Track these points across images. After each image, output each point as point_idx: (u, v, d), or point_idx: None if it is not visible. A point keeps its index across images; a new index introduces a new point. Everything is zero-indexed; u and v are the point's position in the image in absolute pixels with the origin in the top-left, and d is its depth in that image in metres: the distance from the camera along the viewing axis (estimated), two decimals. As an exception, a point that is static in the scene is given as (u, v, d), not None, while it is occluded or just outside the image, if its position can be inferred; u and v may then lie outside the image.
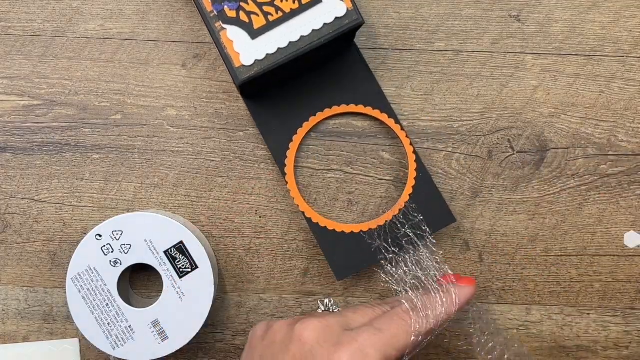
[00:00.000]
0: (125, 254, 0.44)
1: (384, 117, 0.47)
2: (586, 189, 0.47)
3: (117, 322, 0.44)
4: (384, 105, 0.47)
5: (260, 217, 0.48)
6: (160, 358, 0.44)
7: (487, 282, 0.47)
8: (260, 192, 0.48)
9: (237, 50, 0.40)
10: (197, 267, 0.44)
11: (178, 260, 0.44)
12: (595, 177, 0.47)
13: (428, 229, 0.44)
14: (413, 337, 0.38)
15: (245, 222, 0.48)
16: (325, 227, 0.46)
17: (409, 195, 0.46)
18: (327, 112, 0.47)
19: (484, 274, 0.47)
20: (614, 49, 0.48)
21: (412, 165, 0.46)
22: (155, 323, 0.44)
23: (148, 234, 0.44)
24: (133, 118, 0.48)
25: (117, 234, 0.44)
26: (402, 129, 0.47)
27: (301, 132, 0.47)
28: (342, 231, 0.46)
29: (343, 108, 0.47)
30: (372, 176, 0.48)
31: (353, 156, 0.48)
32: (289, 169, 0.46)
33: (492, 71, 0.48)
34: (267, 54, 0.40)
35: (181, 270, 0.44)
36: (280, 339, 0.38)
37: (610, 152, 0.48)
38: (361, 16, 0.41)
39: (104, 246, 0.44)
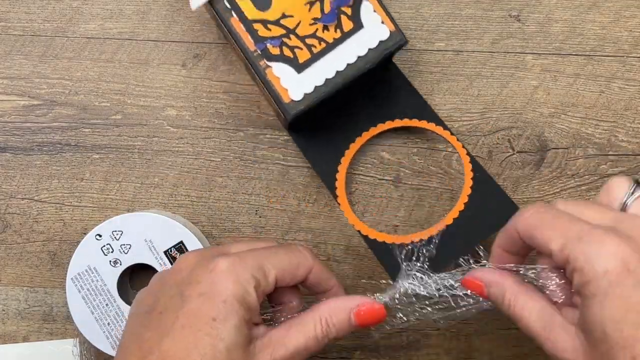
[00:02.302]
0: (125, 254, 0.44)
1: (434, 127, 0.46)
2: (586, 189, 0.47)
3: (117, 322, 0.44)
4: (432, 116, 0.46)
5: (260, 217, 0.48)
6: None
7: (487, 282, 0.47)
8: (260, 192, 0.48)
9: (285, 86, 0.40)
10: None
11: None
12: (596, 177, 0.47)
13: (482, 252, 0.42)
14: (304, 265, 0.37)
15: (245, 222, 0.48)
16: (384, 241, 0.45)
17: (464, 203, 0.45)
18: (373, 131, 0.46)
19: (484, 274, 0.47)
20: (614, 49, 0.48)
21: (469, 175, 0.45)
22: None
23: (148, 234, 0.44)
24: (133, 118, 0.48)
25: (117, 234, 0.44)
26: (452, 134, 0.46)
27: (348, 154, 0.46)
28: (401, 243, 0.44)
29: (389, 124, 0.46)
30: (372, 176, 0.48)
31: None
32: (341, 191, 0.45)
33: (492, 71, 0.48)
34: (316, 86, 0.40)
35: None
36: (164, 281, 0.37)
37: (610, 152, 0.48)
38: (404, 37, 0.40)
39: (104, 246, 0.44)
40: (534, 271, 0.37)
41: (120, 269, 0.44)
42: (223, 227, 0.48)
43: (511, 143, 0.48)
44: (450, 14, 0.48)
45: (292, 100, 0.40)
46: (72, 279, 0.44)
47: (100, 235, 0.44)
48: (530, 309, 0.35)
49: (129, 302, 0.45)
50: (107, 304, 0.44)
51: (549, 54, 0.48)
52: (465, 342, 0.47)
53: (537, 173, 0.47)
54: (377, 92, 0.46)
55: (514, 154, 0.48)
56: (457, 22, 0.48)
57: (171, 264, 0.44)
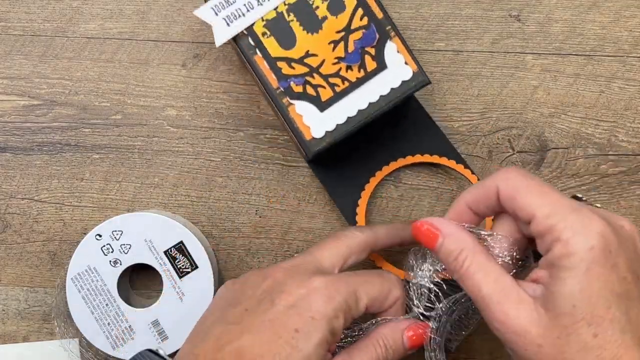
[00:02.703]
0: (125, 254, 0.44)
1: (454, 164, 0.46)
2: (586, 189, 0.47)
3: (117, 322, 0.44)
4: (452, 152, 0.46)
5: (260, 217, 0.48)
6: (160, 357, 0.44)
7: (487, 282, 0.47)
8: (260, 192, 0.48)
9: (307, 124, 0.41)
10: (197, 267, 0.44)
11: (178, 260, 0.44)
12: (596, 177, 0.47)
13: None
14: (394, 290, 0.37)
15: (245, 222, 0.48)
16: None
17: None
18: (393, 165, 0.46)
19: (484, 274, 0.47)
20: (614, 49, 0.48)
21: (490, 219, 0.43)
22: (155, 323, 0.44)
23: (148, 234, 0.44)
24: (133, 118, 0.48)
25: (117, 234, 0.44)
26: (473, 173, 0.46)
27: (369, 187, 0.46)
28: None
29: (409, 159, 0.46)
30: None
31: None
32: (361, 224, 0.46)
33: (492, 71, 0.48)
34: (337, 124, 0.41)
35: (181, 270, 0.44)
36: (251, 282, 0.37)
37: (610, 152, 0.48)
38: (427, 77, 0.41)
39: (104, 246, 0.44)
40: (491, 237, 0.36)
41: (120, 269, 0.44)
42: (223, 227, 0.48)
43: (511, 143, 0.48)
44: (450, 14, 0.48)
45: (314, 138, 0.41)
46: (72, 278, 0.44)
47: (100, 235, 0.44)
48: (487, 272, 0.34)
49: (129, 302, 0.45)
50: (107, 304, 0.44)
51: (549, 54, 0.48)
52: (465, 342, 0.47)
53: (537, 173, 0.47)
54: (398, 127, 0.46)
55: (514, 154, 0.48)
56: (457, 22, 0.48)
57: (171, 264, 0.44)
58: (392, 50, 0.41)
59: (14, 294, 0.48)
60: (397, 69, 0.41)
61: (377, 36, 0.41)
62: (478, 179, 0.46)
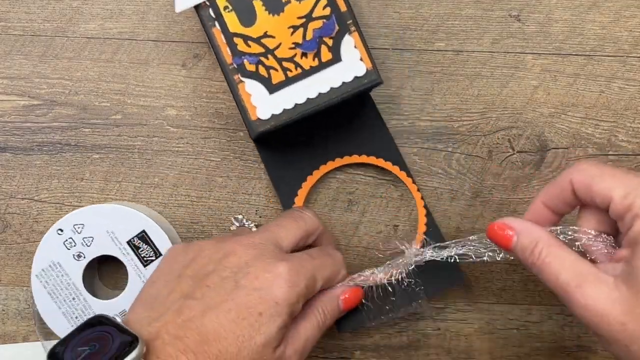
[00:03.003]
0: (88, 246, 0.44)
1: (395, 169, 0.46)
2: (586, 189, 0.47)
3: (85, 315, 0.44)
4: (396, 157, 0.47)
5: (260, 217, 0.48)
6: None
7: (487, 282, 0.47)
8: (260, 192, 0.48)
9: (254, 104, 0.41)
10: (161, 255, 0.45)
11: (141, 249, 0.44)
12: (596, 177, 0.47)
13: (424, 295, 0.44)
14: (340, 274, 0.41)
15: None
16: None
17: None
18: (338, 162, 0.46)
19: (485, 274, 0.47)
20: (614, 49, 0.48)
21: (422, 220, 0.46)
22: (123, 313, 0.45)
23: (110, 225, 0.44)
24: (133, 118, 0.48)
25: (79, 228, 0.44)
26: (414, 182, 0.46)
27: (311, 179, 0.46)
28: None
29: (355, 158, 0.47)
30: (372, 176, 0.48)
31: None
32: None
33: (492, 71, 0.48)
34: (284, 109, 0.41)
35: (145, 259, 0.45)
36: (209, 255, 0.38)
37: (610, 152, 0.48)
38: (380, 77, 0.41)
39: (66, 240, 0.44)
40: (576, 232, 0.36)
41: (84, 262, 0.44)
42: (223, 227, 0.48)
43: (511, 143, 0.48)
44: (450, 14, 0.48)
45: (259, 119, 0.41)
46: (36, 275, 0.44)
47: (62, 230, 0.44)
48: (562, 259, 0.34)
49: (96, 295, 0.45)
50: (73, 298, 0.44)
51: (549, 54, 0.48)
52: (465, 342, 0.47)
53: (537, 173, 0.47)
54: (350, 125, 0.47)
55: (514, 153, 0.48)
56: (457, 22, 0.48)
57: (135, 253, 0.44)
58: (349, 45, 0.41)
59: (14, 294, 0.48)
60: (351, 64, 0.41)
61: (337, 28, 0.41)
62: (418, 190, 0.46)
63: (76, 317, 0.44)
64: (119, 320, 0.36)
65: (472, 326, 0.47)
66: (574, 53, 0.48)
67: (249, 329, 0.35)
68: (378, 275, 0.42)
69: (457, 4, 0.48)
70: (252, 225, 0.46)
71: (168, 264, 0.39)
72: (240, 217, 0.46)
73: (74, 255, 0.44)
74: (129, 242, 0.45)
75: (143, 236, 0.45)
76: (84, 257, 0.45)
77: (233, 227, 0.47)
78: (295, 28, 0.41)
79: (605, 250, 0.36)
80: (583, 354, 0.47)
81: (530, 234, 0.36)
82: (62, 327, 0.44)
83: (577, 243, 0.36)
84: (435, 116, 0.48)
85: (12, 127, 0.48)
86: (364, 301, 0.43)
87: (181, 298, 0.36)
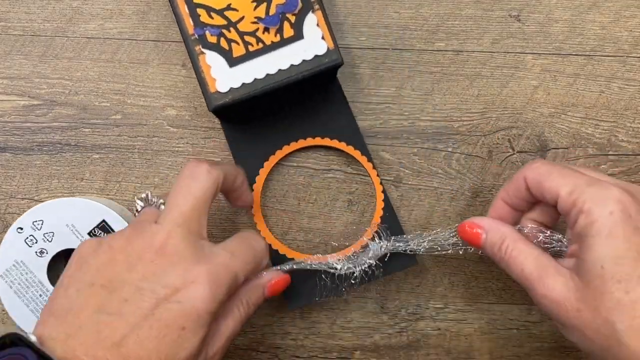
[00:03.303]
0: (50, 242, 0.44)
1: (357, 154, 0.47)
2: (586, 189, 0.47)
3: None
4: (359, 142, 0.47)
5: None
6: None
7: (487, 282, 0.47)
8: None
9: (214, 76, 0.41)
10: None
11: None
12: (596, 177, 0.47)
13: (380, 272, 0.44)
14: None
15: (245, 222, 0.48)
16: (284, 254, 0.46)
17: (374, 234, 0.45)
18: (301, 143, 0.47)
19: (484, 274, 0.47)
20: (614, 49, 0.48)
21: (380, 205, 0.46)
22: None
23: (69, 218, 0.44)
24: (133, 118, 0.48)
25: (38, 224, 0.44)
26: (374, 167, 0.47)
27: (272, 159, 0.47)
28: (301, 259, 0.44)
29: (318, 140, 0.47)
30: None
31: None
32: (256, 195, 0.46)
33: (492, 71, 0.48)
34: (243, 83, 0.41)
35: None
36: (121, 259, 0.36)
37: (610, 152, 0.48)
38: (341, 57, 0.41)
39: (27, 238, 0.44)
40: (528, 229, 0.40)
41: (47, 258, 0.44)
42: (223, 227, 0.48)
43: (511, 143, 0.48)
44: (450, 14, 0.48)
45: (218, 92, 0.41)
46: (1, 275, 0.44)
47: (21, 229, 0.44)
48: (527, 254, 0.37)
49: None
50: (40, 295, 0.44)
51: (549, 54, 0.48)
52: (465, 342, 0.47)
53: (537, 173, 0.47)
54: (315, 108, 0.47)
55: (514, 153, 0.48)
56: (457, 22, 0.48)
57: None
58: (312, 23, 0.41)
59: None
60: (313, 42, 0.41)
61: (300, 5, 0.41)
62: (377, 175, 0.47)
63: None
64: (33, 338, 0.33)
65: (472, 326, 0.47)
66: (574, 53, 0.48)
67: (172, 345, 0.34)
68: (333, 259, 0.43)
69: (457, 4, 0.48)
70: (160, 201, 0.44)
71: (78, 265, 0.37)
72: (144, 195, 0.44)
73: (36, 252, 0.44)
74: (90, 233, 0.45)
75: (104, 225, 0.44)
76: (47, 253, 0.44)
77: (139, 208, 0.44)
78: (258, 2, 0.41)
79: (558, 248, 0.39)
80: (583, 353, 0.47)
81: (498, 231, 0.39)
82: (32, 325, 0.44)
83: (535, 240, 0.39)
84: (435, 116, 0.48)
85: (12, 127, 0.48)
86: (323, 277, 0.44)
87: (97, 312, 0.34)
